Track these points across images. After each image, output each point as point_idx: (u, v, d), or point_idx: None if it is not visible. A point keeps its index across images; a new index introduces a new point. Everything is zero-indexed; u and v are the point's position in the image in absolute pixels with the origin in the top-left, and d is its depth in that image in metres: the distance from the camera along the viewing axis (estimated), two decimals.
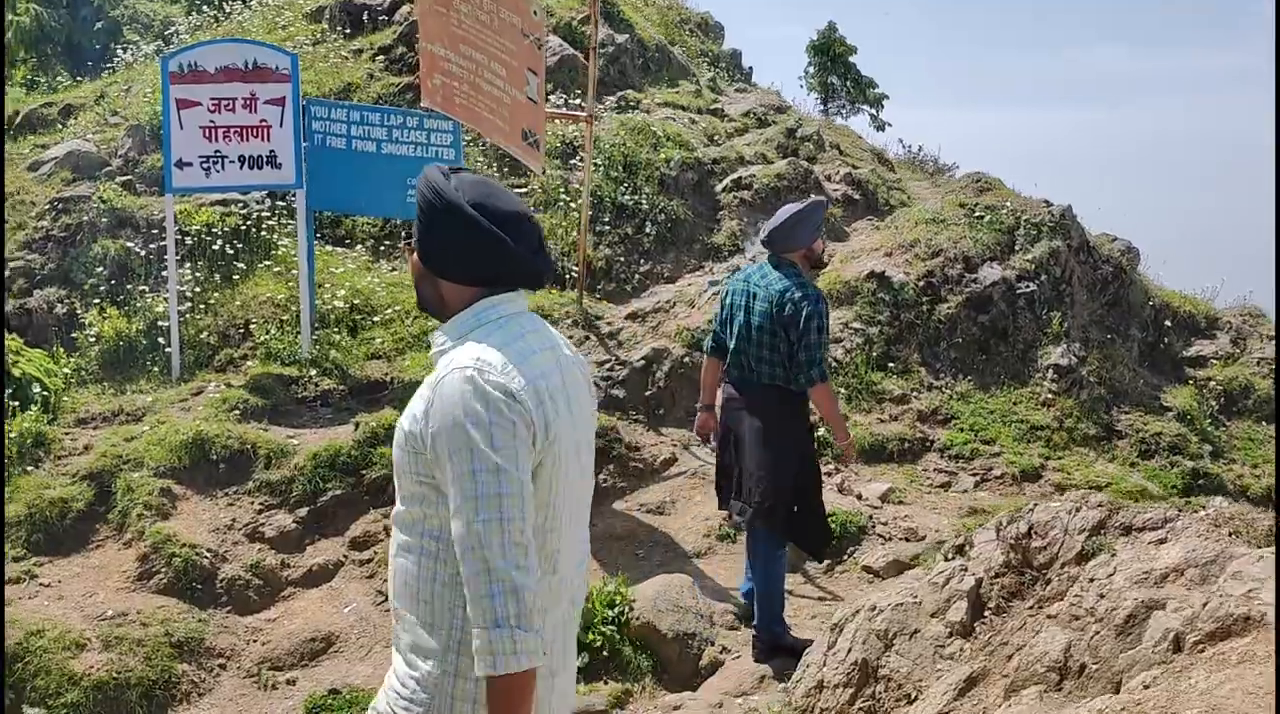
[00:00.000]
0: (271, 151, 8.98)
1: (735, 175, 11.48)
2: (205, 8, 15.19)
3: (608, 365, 9.09)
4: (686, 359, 9.26)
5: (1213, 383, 9.57)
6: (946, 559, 5.06)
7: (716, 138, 12.74)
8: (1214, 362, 9.77)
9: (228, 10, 14.21)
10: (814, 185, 11.56)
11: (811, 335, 5.57)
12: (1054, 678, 3.90)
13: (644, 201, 10.77)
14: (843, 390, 8.85)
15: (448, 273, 2.44)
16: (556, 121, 10.77)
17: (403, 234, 10.51)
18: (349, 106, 9.06)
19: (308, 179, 9.03)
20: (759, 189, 11.29)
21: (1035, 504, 4.62)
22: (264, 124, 8.96)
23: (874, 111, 28.28)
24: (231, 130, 8.93)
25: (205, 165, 8.91)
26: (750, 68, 21.35)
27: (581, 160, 10.80)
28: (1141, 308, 10.10)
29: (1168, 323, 10.06)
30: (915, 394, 8.96)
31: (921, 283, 9.43)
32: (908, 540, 7.36)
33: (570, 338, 9.26)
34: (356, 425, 8.10)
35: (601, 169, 10.90)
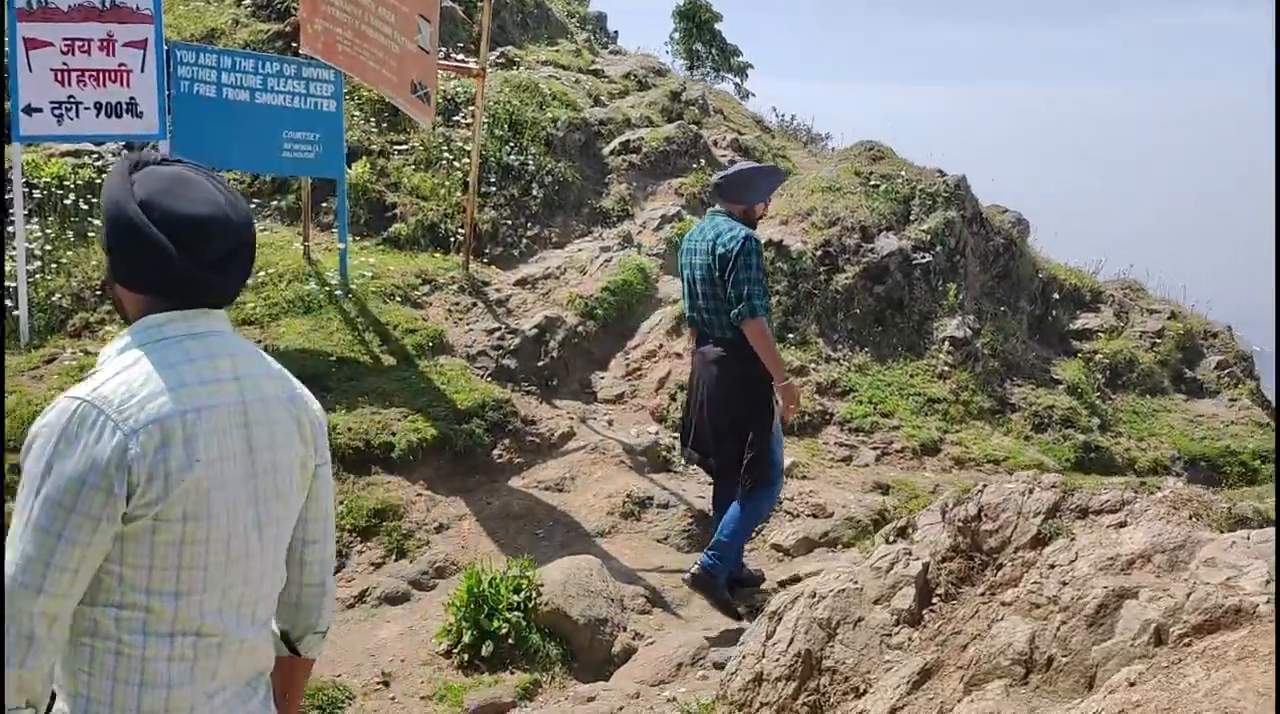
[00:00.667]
0: (132, 98, 8.22)
1: (623, 138, 11.13)
2: None
3: (497, 334, 8.67)
4: (580, 328, 8.93)
5: (1098, 356, 9.68)
6: (888, 541, 4.86)
7: (600, 99, 12.37)
8: (1099, 335, 9.89)
9: None
10: (703, 150, 11.30)
11: (740, 272, 5.47)
12: (1019, 671, 3.72)
13: (530, 162, 10.34)
14: None
15: (118, 277, 2.10)
16: (440, 75, 10.22)
17: (277, 190, 9.86)
18: (220, 52, 8.37)
19: (173, 130, 8.31)
20: (648, 153, 10.97)
21: (984, 485, 4.44)
22: (123, 68, 8.20)
23: (738, 80, 28.25)
24: (87, 74, 8.14)
25: (57, 112, 8.10)
26: (616, 31, 21.03)
27: (466, 118, 10.31)
28: (1030, 280, 10.15)
29: (1055, 296, 10.14)
30: (814, 366, 8.80)
31: (819, 252, 9.27)
32: (815, 517, 7.19)
33: (457, 305, 8.82)
34: None
35: (486, 128, 10.41)
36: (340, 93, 8.34)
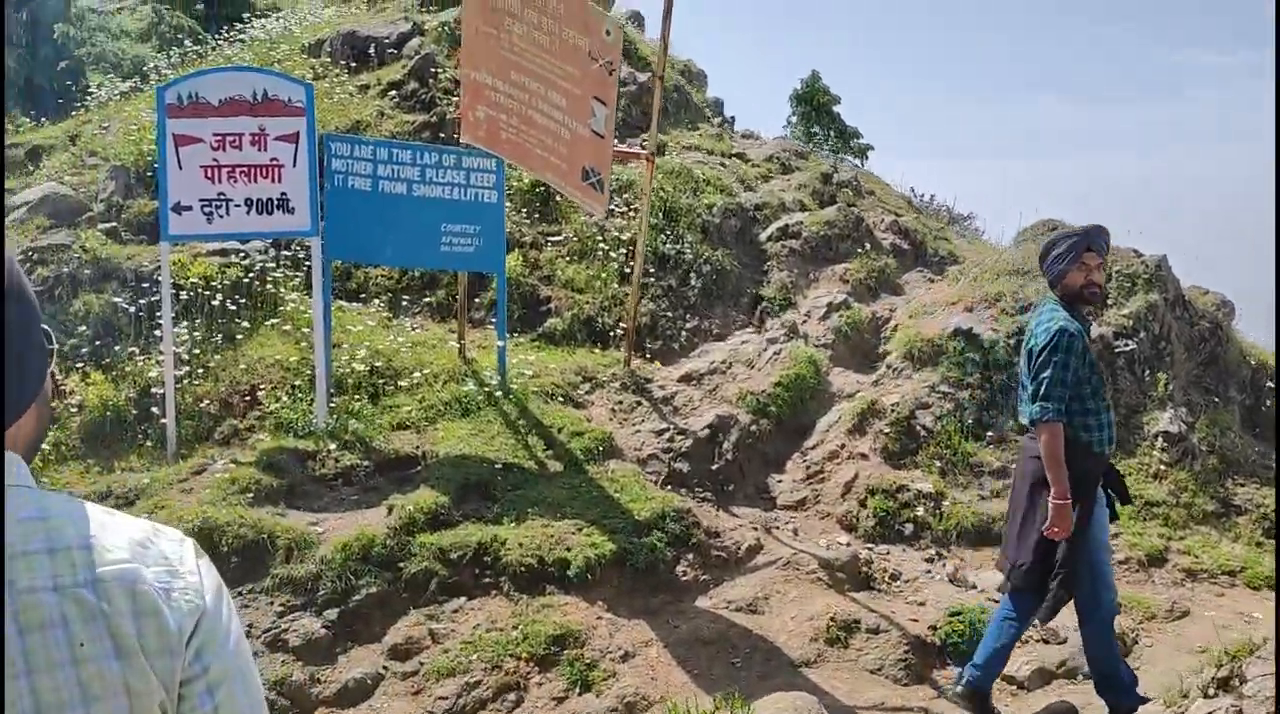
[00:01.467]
0: (283, 194, 7.88)
1: (780, 223, 10.52)
2: (188, 42, 14.10)
3: (666, 435, 8.02)
4: (754, 427, 8.23)
5: None
6: (1207, 695, 4.01)
7: (748, 183, 11.81)
8: None
9: (213, 44, 13.13)
10: (865, 233, 10.64)
11: (1042, 368, 4.95)
12: None
13: (687, 251, 9.77)
14: (936, 462, 7.84)
15: None
16: None
17: (427, 286, 9.42)
18: (376, 143, 7.98)
19: (325, 225, 7.93)
20: (808, 238, 10.34)
21: None
22: (274, 163, 7.87)
23: (858, 162, 27.72)
24: (238, 170, 7.83)
25: (207, 210, 7.78)
26: (733, 117, 20.66)
27: (618, 206, 9.81)
28: (1239, 368, 9.20)
29: (1267, 384, 9.16)
30: (1014, 466, 7.95)
31: (1012, 341, 8.47)
32: (1046, 643, 6.33)
33: (620, 404, 8.22)
34: (389, 509, 6.98)
35: (635, 216, 9.90)
36: (502, 183, 7.88)
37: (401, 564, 6.66)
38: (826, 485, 7.92)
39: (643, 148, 7.86)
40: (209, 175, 7.76)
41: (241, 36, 12.97)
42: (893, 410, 8.15)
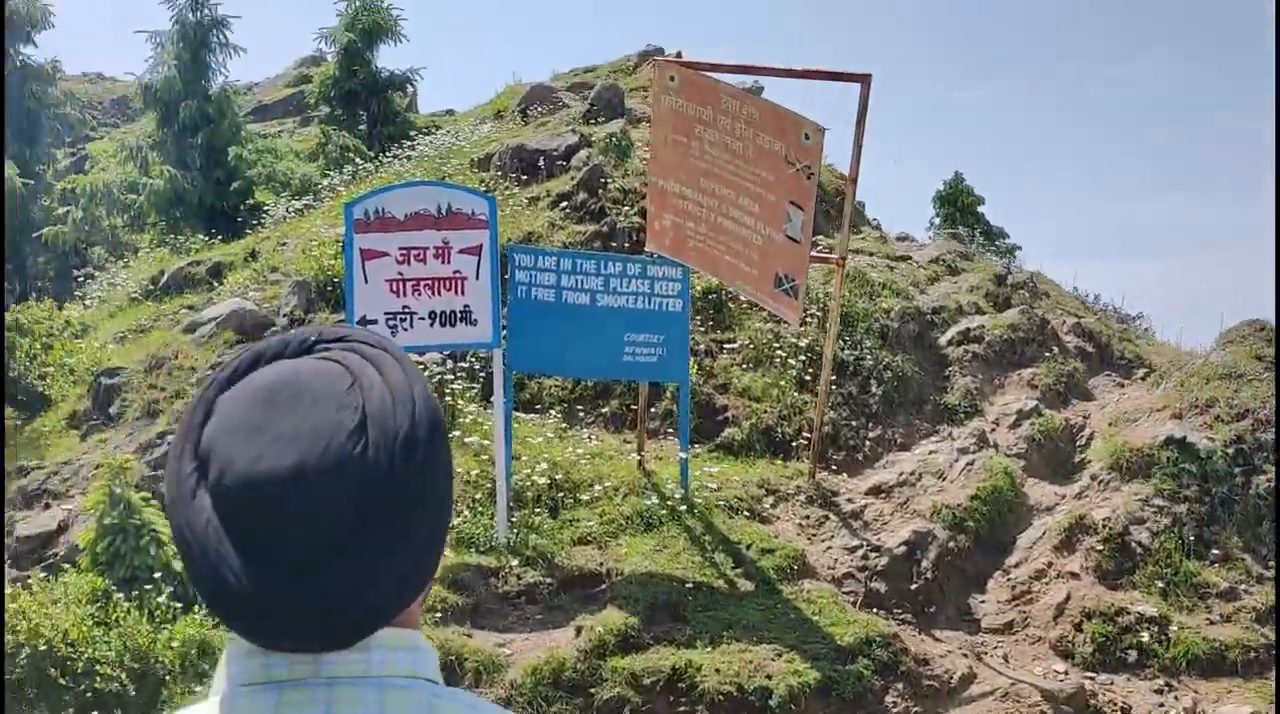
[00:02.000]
0: (466, 306, 7.83)
1: (960, 326, 10.13)
2: (358, 160, 14.55)
3: (860, 552, 7.63)
4: (951, 544, 7.78)
5: None
6: None
7: (918, 285, 11.47)
8: None
9: (382, 161, 13.49)
10: (1051, 336, 10.17)
11: None
12: None
13: (867, 357, 9.44)
14: (1156, 582, 7.26)
15: None
16: None
17: (600, 395, 9.28)
18: (560, 253, 7.94)
19: (507, 337, 7.86)
20: (991, 342, 9.92)
21: None
22: (458, 275, 7.84)
23: (1006, 263, 27.11)
24: (422, 283, 7.82)
25: (392, 323, 7.77)
26: (876, 219, 20.37)
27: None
28: None
29: None
30: (1245, 587, 7.32)
31: (1231, 450, 7.88)
32: None
33: (807, 518, 7.88)
34: (578, 630, 6.73)
35: (815, 321, 9.65)
36: (687, 291, 7.73)
37: (593, 690, 6.38)
38: (1035, 607, 7.39)
39: (830, 252, 7.63)
40: (394, 289, 7.77)
41: (409, 153, 13.29)
42: (1104, 526, 7.61)
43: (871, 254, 12.19)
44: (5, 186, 9.47)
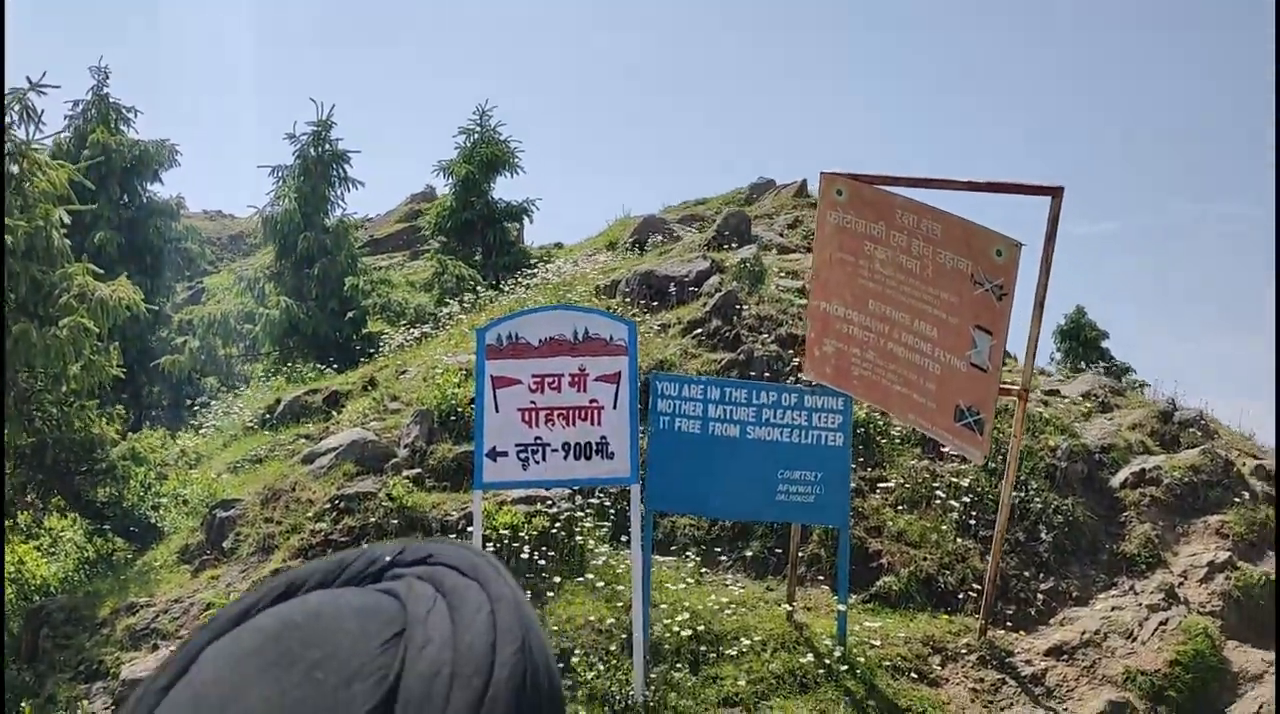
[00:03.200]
0: (603, 438, 7.22)
1: (1135, 467, 9.23)
2: (478, 288, 14.26)
3: None
4: None
5: None
6: None
7: (1074, 423, 10.60)
8: None
9: (505, 289, 13.16)
10: (1237, 480, 9.19)
11: None
12: None
13: (1035, 500, 8.58)
14: None
15: None
16: None
17: (739, 536, 8.53)
18: (707, 382, 7.33)
19: (647, 472, 7.23)
20: (1170, 485, 8.98)
21: None
22: (594, 405, 7.27)
23: (1171, 399, 25.99)
24: (555, 413, 7.26)
25: (523, 455, 7.20)
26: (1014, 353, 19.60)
27: (952, 449, 8.76)
28: None
29: None
30: None
31: None
32: None
33: (981, 682, 6.99)
34: None
35: (971, 463, 8.83)
36: (849, 425, 7.02)
37: None
38: None
39: (1012, 384, 6.89)
40: (527, 418, 7.23)
41: (529, 281, 12.95)
42: None
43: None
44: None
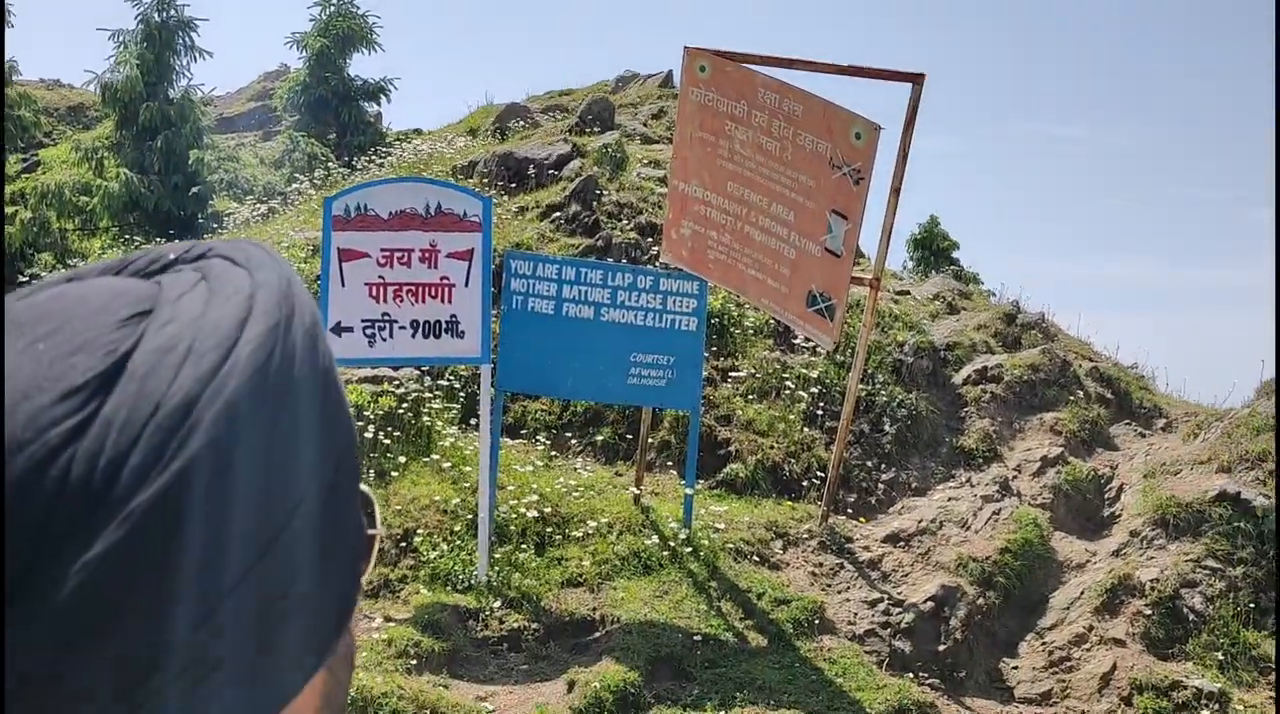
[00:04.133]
0: (453, 316, 7.01)
1: (977, 364, 9.46)
2: (330, 164, 13.70)
3: (880, 607, 6.87)
4: (980, 601, 7.03)
5: None
6: None
7: (921, 323, 10.82)
8: None
9: (359, 167, 12.66)
10: (1073, 380, 9.52)
11: None
12: None
13: (881, 393, 8.73)
14: (1214, 654, 6.54)
15: None
16: None
17: (590, 422, 8.47)
18: (562, 262, 7.16)
19: (498, 352, 7.07)
20: (1010, 382, 9.25)
21: None
22: (445, 282, 7.03)
23: (1015, 301, 26.84)
24: (404, 289, 7.00)
25: (370, 332, 6.95)
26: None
27: (804, 340, 8.83)
28: None
29: None
30: None
31: None
32: None
33: (820, 566, 7.16)
34: (570, 685, 5.91)
35: (824, 352, 8.92)
36: (703, 309, 6.96)
37: None
38: (1076, 676, 6.65)
39: (865, 272, 6.91)
40: (374, 294, 6.95)
41: (384, 160, 12.48)
42: (1151, 588, 6.91)
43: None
44: (4, 184, 8.59)
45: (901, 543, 7.59)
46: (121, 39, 19.83)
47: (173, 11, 19.77)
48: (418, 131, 21.73)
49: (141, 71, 19.36)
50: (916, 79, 6.00)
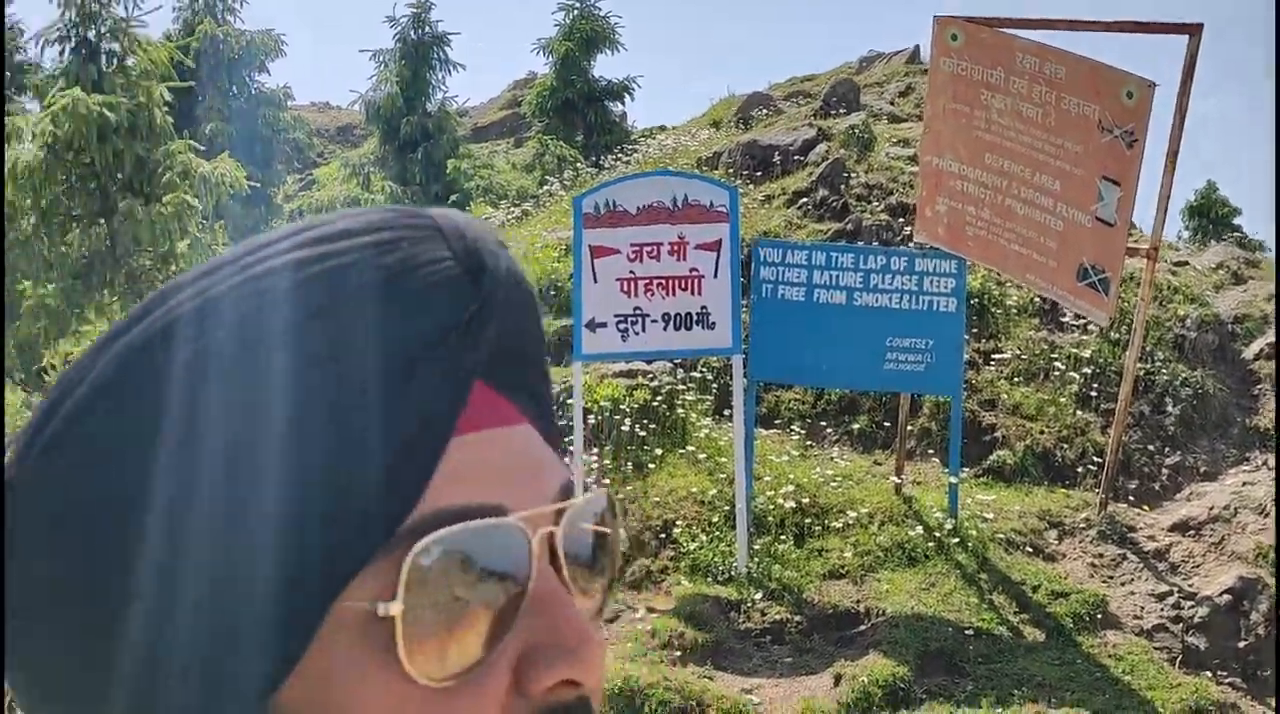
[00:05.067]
0: (703, 308, 6.99)
1: (1270, 338, 8.69)
2: (579, 165, 14.04)
3: (1169, 600, 6.39)
4: None
5: None
6: None
7: (1205, 294, 10.03)
8: None
9: (605, 167, 12.91)
10: None
11: None
12: None
13: (1162, 371, 8.14)
14: None
15: None
16: None
17: (845, 410, 8.30)
18: (812, 247, 7.03)
19: (750, 342, 7.01)
20: None
21: None
22: (694, 274, 7.03)
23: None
24: (655, 282, 7.03)
25: (622, 327, 7.02)
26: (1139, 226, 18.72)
27: (1074, 317, 8.35)
28: None
29: None
30: None
31: None
32: None
33: (1100, 557, 6.72)
34: (837, 679, 5.77)
35: (1098, 329, 8.40)
36: (963, 289, 6.66)
37: None
38: None
39: (1140, 242, 6.43)
40: (625, 289, 7.02)
41: (628, 158, 12.66)
42: None
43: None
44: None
45: (1191, 532, 7.05)
46: (381, 59, 20.98)
47: (427, 28, 20.76)
48: (662, 128, 21.98)
49: (400, 88, 20.43)
50: (1194, 30, 5.53)
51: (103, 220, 9.72)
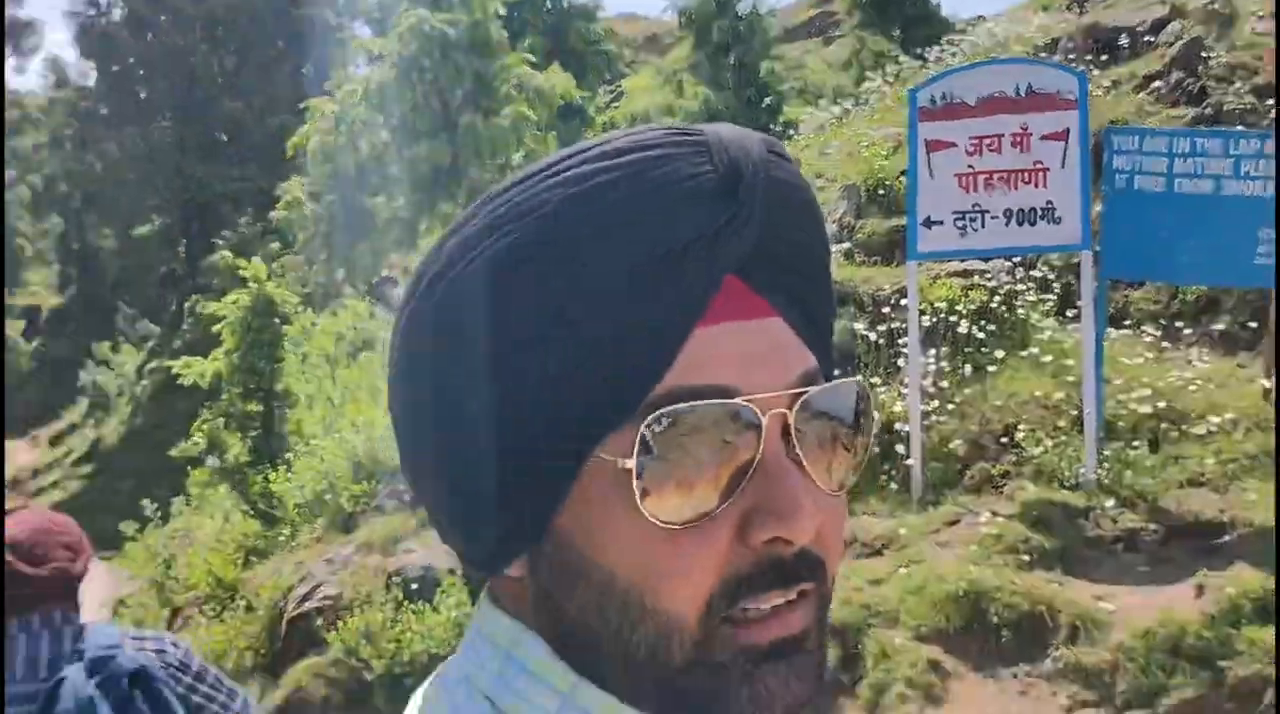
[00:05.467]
0: (1048, 202, 6.69)
1: None
2: (900, 60, 13.64)
3: None
4: None
5: None
6: None
7: None
8: None
9: (928, 61, 12.46)
10: None
11: None
12: None
13: None
14: None
15: None
16: None
17: (1204, 310, 7.77)
18: (1173, 133, 6.58)
19: (1101, 236, 6.65)
20: None
21: None
22: (1039, 167, 6.73)
23: None
24: (995, 177, 6.79)
25: (960, 223, 6.84)
26: None
27: None
28: None
29: None
30: None
31: None
32: None
33: None
34: (1199, 590, 5.50)
35: None
36: None
37: (1224, 663, 5.14)
38: None
39: None
40: (963, 184, 6.83)
41: (955, 49, 12.16)
42: None
43: None
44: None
45: None
46: None
47: None
48: (981, 18, 20.93)
49: None
50: None
51: (444, 134, 10.38)
